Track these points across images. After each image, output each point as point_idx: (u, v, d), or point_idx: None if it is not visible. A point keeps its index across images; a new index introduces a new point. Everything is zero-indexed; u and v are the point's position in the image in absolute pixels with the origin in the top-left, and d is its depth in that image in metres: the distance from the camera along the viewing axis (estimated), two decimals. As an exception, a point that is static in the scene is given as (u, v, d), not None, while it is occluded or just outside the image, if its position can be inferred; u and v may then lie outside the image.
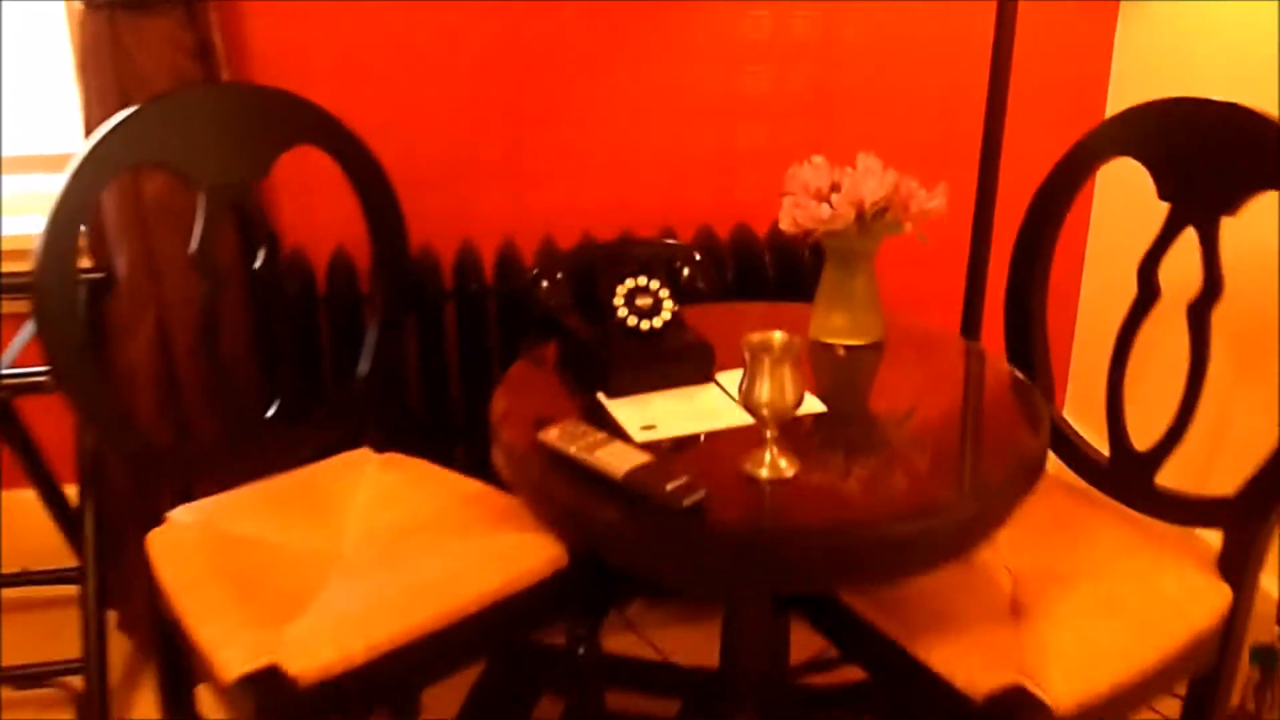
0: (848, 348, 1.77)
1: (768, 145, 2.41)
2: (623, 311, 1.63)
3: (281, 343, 2.09)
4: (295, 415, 1.87)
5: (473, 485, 1.87)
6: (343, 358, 2.13)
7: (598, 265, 1.65)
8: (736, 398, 1.46)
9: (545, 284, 1.64)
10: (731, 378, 1.66)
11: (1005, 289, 1.95)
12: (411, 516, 1.80)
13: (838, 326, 1.78)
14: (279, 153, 1.77)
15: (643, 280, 1.65)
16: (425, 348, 2.18)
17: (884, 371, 1.73)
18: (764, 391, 1.38)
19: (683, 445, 1.49)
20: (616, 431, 1.51)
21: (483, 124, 2.28)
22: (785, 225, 1.74)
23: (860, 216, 1.71)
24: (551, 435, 1.45)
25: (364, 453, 1.97)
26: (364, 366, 1.93)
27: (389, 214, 1.87)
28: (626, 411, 1.57)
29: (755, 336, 1.40)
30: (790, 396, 1.38)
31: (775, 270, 2.21)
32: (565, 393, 1.65)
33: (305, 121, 1.78)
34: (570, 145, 2.31)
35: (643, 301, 1.64)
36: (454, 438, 2.22)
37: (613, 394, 1.60)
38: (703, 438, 1.50)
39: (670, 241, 1.74)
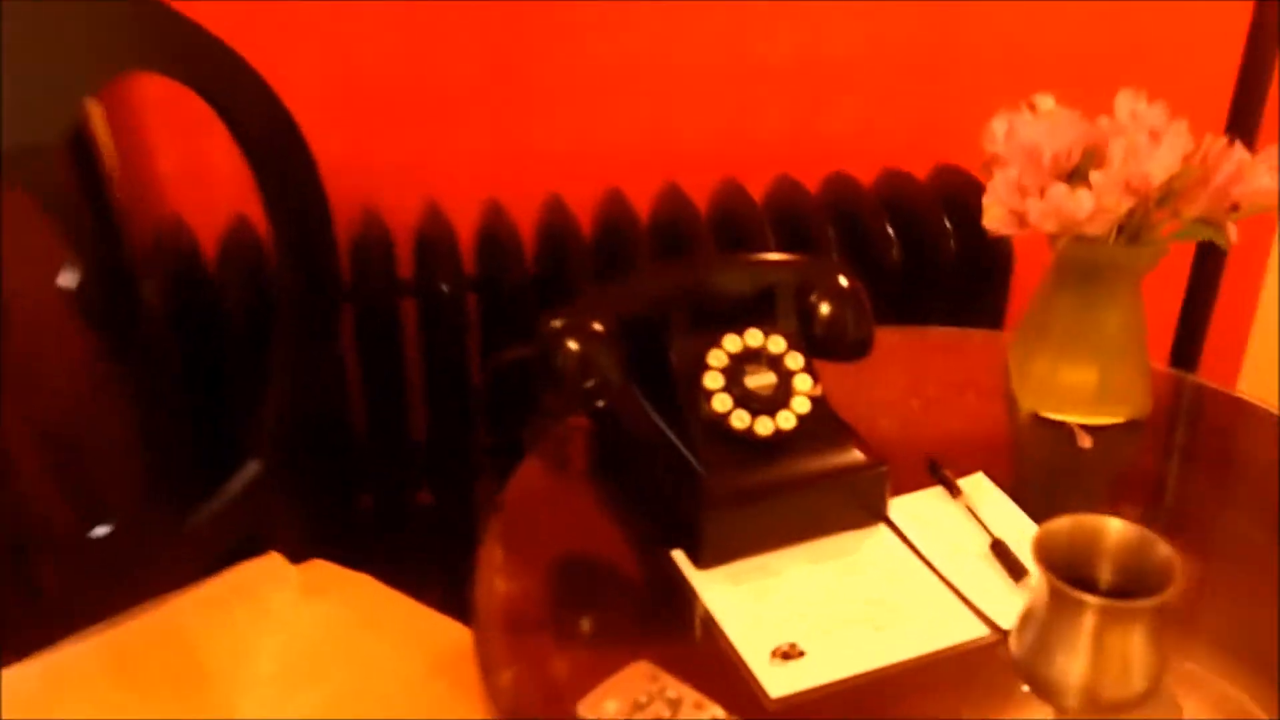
0: (1091, 430, 1.03)
1: (872, 51, 1.62)
2: (721, 402, 0.88)
3: (140, 380, 1.32)
4: (164, 498, 1.14)
5: (451, 633, 1.14)
6: (240, 397, 1.38)
7: (666, 306, 0.90)
8: (935, 563, 0.75)
9: (575, 343, 0.88)
10: (909, 507, 0.92)
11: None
12: (348, 701, 1.07)
13: (1073, 391, 1.04)
14: (92, 92, 0.99)
15: (755, 337, 0.90)
16: (371, 377, 1.42)
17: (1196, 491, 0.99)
18: (1076, 664, 0.65)
19: (857, 695, 0.76)
20: (717, 656, 0.78)
21: (452, 35, 1.48)
22: (995, 224, 0.98)
23: (1137, 209, 0.95)
24: (606, 713, 0.71)
25: (271, 564, 1.23)
26: (269, 414, 1.18)
27: (296, 173, 1.10)
28: (731, 600, 0.84)
29: (1056, 529, 0.67)
30: (1137, 679, 0.65)
31: (903, 252, 1.44)
32: (613, 545, 0.91)
33: (146, 37, 1.00)
34: (580, 59, 1.51)
35: (757, 378, 0.89)
36: (416, 523, 1.47)
37: (705, 563, 0.86)
38: (892, 679, 0.78)
39: (792, 258, 0.98)
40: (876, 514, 0.91)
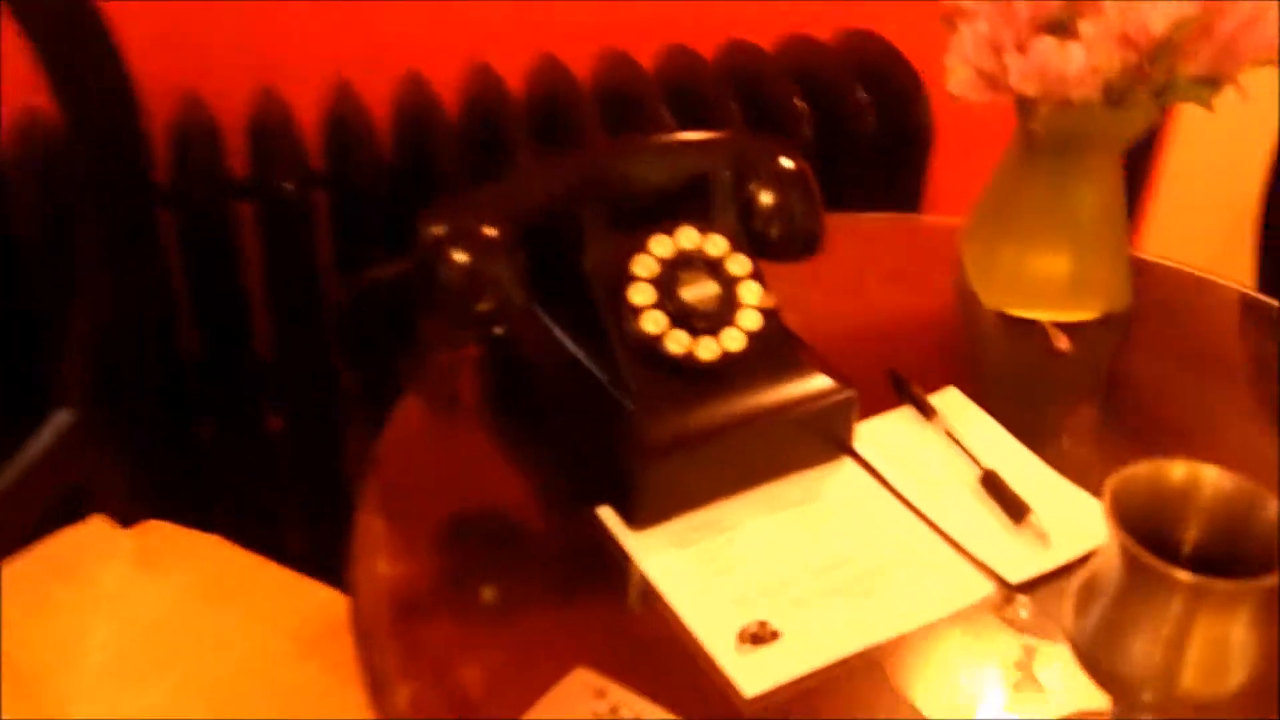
0: (1065, 328, 0.88)
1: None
2: (653, 321, 0.70)
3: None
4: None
5: (320, 600, 0.96)
6: (43, 332, 1.14)
7: (575, 204, 0.71)
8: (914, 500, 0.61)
9: (463, 255, 0.69)
10: (875, 433, 0.77)
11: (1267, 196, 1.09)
12: (199, 693, 0.89)
13: (1044, 285, 0.89)
14: None
15: (690, 238, 0.72)
16: (202, 295, 1.19)
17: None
18: (1155, 653, 0.50)
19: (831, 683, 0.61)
20: (668, 643, 0.62)
21: None
22: (962, 88, 0.82)
23: (1128, 67, 0.79)
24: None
25: (95, 531, 1.02)
26: (75, 347, 0.97)
27: (90, 49, 0.88)
28: (678, 569, 0.67)
29: (1133, 478, 0.51)
30: (1235, 672, 0.50)
31: (815, 129, 1.26)
32: (522, 506, 0.73)
33: None
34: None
35: (696, 289, 0.71)
36: (268, 458, 1.26)
37: (640, 521, 0.69)
38: (887, 664, 0.63)
39: (725, 136, 0.80)
40: (841, 446, 0.75)
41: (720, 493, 0.71)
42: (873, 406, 0.79)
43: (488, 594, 0.68)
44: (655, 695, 0.60)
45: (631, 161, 0.74)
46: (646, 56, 1.31)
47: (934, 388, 0.81)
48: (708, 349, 0.70)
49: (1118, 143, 0.85)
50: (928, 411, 0.78)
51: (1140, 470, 0.51)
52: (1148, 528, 0.50)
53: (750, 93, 1.26)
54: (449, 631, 0.65)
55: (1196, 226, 1.50)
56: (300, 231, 1.17)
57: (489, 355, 0.81)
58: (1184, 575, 0.48)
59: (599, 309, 0.70)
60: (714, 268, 0.72)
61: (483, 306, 0.70)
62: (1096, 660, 0.51)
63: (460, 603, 0.67)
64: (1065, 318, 0.89)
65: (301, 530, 1.30)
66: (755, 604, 0.66)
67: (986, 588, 0.67)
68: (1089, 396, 0.86)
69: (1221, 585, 0.48)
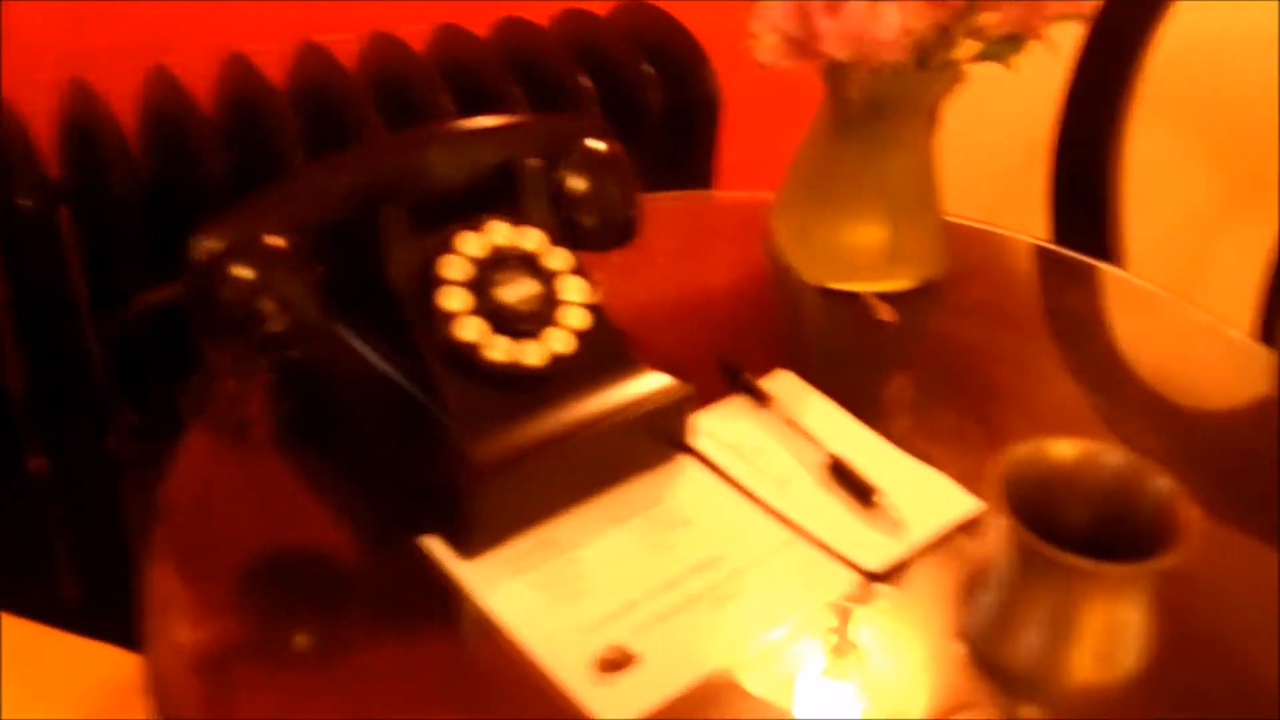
0: (888, 298, 0.86)
1: None
2: (469, 328, 0.63)
3: None
4: None
5: (108, 665, 0.86)
6: None
7: (369, 204, 0.64)
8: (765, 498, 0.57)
9: (245, 270, 0.61)
10: (711, 426, 0.72)
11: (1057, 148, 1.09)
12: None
13: (863, 256, 0.86)
14: None
15: (502, 233, 0.66)
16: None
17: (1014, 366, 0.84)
18: (1045, 640, 0.47)
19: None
20: (516, 682, 0.56)
21: None
22: (770, 55, 0.78)
23: (941, 29, 0.77)
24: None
25: None
26: None
27: None
28: (520, 598, 0.61)
29: (1019, 459, 0.48)
30: (1127, 657, 0.48)
31: (600, 107, 1.21)
32: (336, 545, 0.66)
33: None
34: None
35: (515, 288, 0.65)
36: (31, 503, 1.12)
37: (473, 549, 0.63)
38: (750, 686, 0.59)
39: (529, 119, 0.73)
40: (678, 444, 0.70)
41: (555, 509, 0.65)
42: (703, 398, 0.74)
43: (306, 645, 0.61)
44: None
45: (428, 154, 0.67)
46: (417, 39, 1.23)
47: (763, 371, 0.77)
48: (534, 354, 0.64)
49: (926, 106, 0.83)
50: (763, 399, 0.74)
51: (1025, 450, 0.49)
52: (1035, 510, 0.48)
53: (530, 72, 1.19)
54: (268, 694, 0.57)
55: (981, 181, 1.52)
56: (44, 252, 1.05)
57: (283, 379, 0.73)
58: (1077, 560, 0.45)
59: (407, 320, 0.63)
60: (531, 264, 0.66)
61: (272, 328, 0.61)
62: (988, 654, 0.48)
63: (277, 659, 0.59)
64: (886, 288, 0.86)
65: (78, 582, 1.17)
66: (608, 628, 0.60)
67: (847, 579, 0.64)
68: (919, 367, 0.84)
69: (1115, 570, 0.46)
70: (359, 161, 0.67)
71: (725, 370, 0.76)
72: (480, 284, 0.64)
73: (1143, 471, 0.48)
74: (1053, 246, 0.95)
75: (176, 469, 0.69)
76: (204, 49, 1.15)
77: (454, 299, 0.63)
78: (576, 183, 0.70)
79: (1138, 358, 0.86)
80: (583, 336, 0.65)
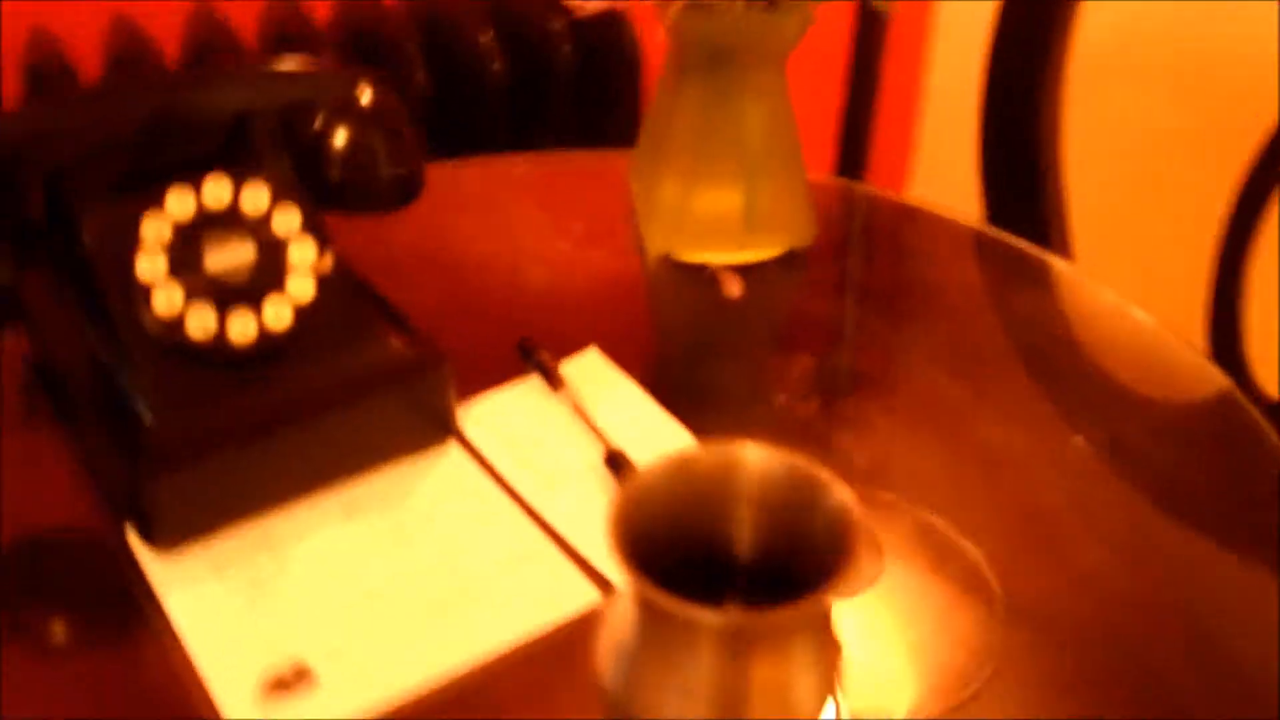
0: (742, 271, 0.77)
1: None
2: (166, 300, 0.56)
3: None
4: None
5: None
6: None
7: (68, 157, 0.57)
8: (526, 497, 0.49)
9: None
10: (493, 411, 0.64)
11: (983, 117, 0.98)
12: None
13: (713, 223, 0.77)
14: None
15: (219, 191, 0.58)
16: None
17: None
18: (695, 707, 0.38)
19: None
20: (180, 698, 0.49)
21: None
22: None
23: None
24: None
25: None
26: None
27: None
28: (207, 600, 0.54)
29: (647, 484, 0.39)
30: (801, 708, 0.38)
31: (506, 64, 1.12)
32: (61, 531, 0.59)
33: None
34: None
35: (224, 254, 0.57)
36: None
37: (161, 541, 0.56)
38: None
39: (278, 68, 0.65)
40: (442, 428, 0.62)
41: (277, 500, 0.58)
42: (499, 377, 0.66)
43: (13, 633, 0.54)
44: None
45: (140, 98, 0.59)
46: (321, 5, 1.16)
47: (577, 349, 0.69)
48: (241, 329, 0.56)
49: (776, 53, 0.73)
50: (555, 381, 0.66)
51: (660, 470, 0.40)
52: (690, 535, 0.39)
53: (435, 33, 1.12)
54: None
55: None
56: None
57: (29, 350, 0.66)
58: (709, 616, 0.36)
59: (100, 289, 0.57)
60: (253, 227, 0.58)
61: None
62: (629, 711, 0.39)
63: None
64: (742, 258, 0.77)
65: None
66: (292, 640, 0.53)
67: (589, 595, 0.55)
68: (764, 347, 0.75)
69: (764, 617, 0.37)
70: (53, 109, 0.60)
71: (520, 347, 0.68)
72: (185, 249, 0.57)
73: (811, 481, 0.39)
74: (948, 215, 0.85)
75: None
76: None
77: (151, 266, 0.56)
78: (334, 135, 0.62)
79: (1024, 339, 0.76)
80: (306, 309, 0.58)
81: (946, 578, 0.55)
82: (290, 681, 0.51)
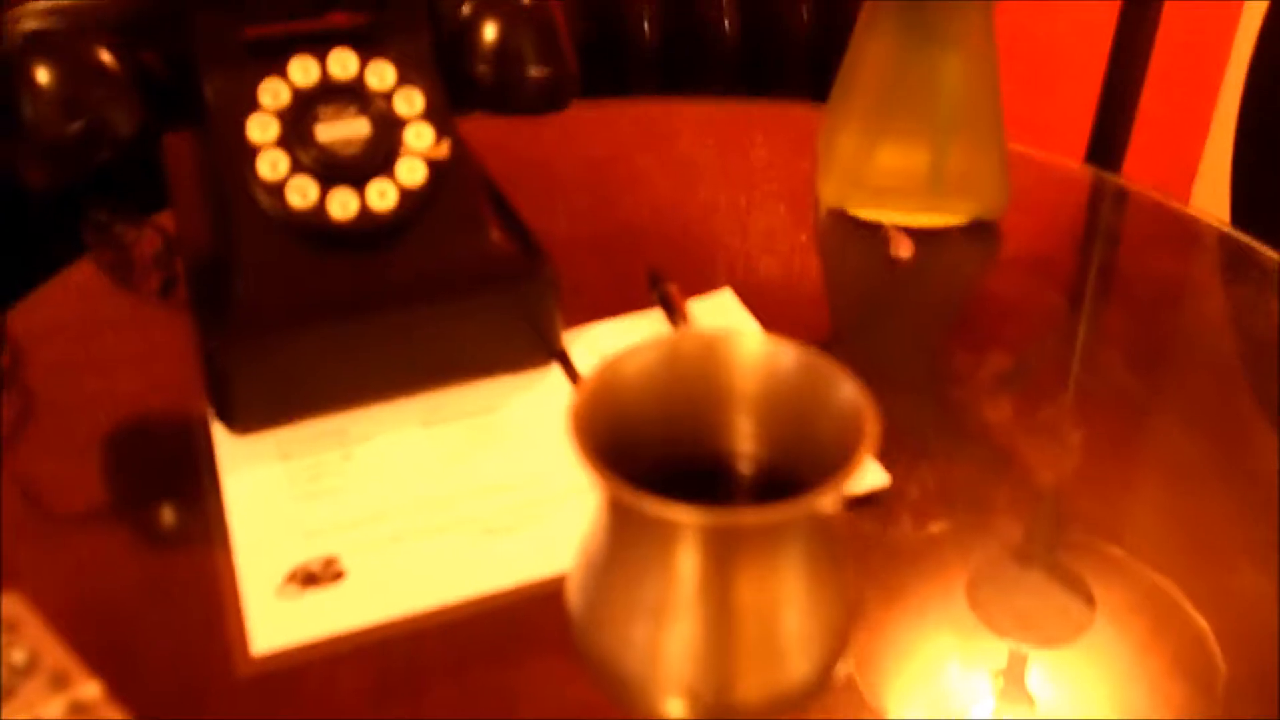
0: (916, 234, 0.69)
1: None
2: (271, 164, 0.54)
3: None
4: None
5: None
6: None
7: (187, 21, 0.55)
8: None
9: (49, 71, 0.54)
10: (606, 339, 0.60)
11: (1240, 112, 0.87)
12: None
13: (894, 179, 0.70)
14: None
15: (345, 63, 0.56)
16: None
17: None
18: (674, 640, 0.32)
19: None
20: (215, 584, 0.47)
21: None
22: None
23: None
24: None
25: None
26: None
27: None
28: (263, 486, 0.51)
29: (618, 372, 0.34)
30: (800, 656, 0.32)
31: (741, 22, 1.07)
32: (149, 413, 0.58)
33: None
34: None
35: (336, 127, 0.55)
36: None
37: (239, 424, 0.54)
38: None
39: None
40: (544, 347, 0.58)
41: (358, 396, 0.55)
42: (627, 306, 0.62)
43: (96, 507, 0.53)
44: (136, 650, 0.45)
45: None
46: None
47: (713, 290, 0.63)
48: (341, 205, 0.54)
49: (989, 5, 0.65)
50: (676, 316, 0.61)
51: (639, 358, 0.34)
52: (680, 443, 0.33)
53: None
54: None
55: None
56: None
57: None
58: (685, 514, 0.30)
59: (214, 146, 0.55)
60: (373, 104, 0.55)
61: (73, 129, 0.54)
62: (599, 657, 0.34)
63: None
64: (924, 222, 0.70)
65: None
66: (334, 536, 0.49)
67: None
68: (940, 323, 0.67)
69: (746, 517, 0.30)
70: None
71: (649, 276, 0.63)
72: (298, 117, 0.54)
73: (825, 375, 0.33)
74: (1170, 203, 0.75)
75: (43, 298, 0.64)
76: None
77: (262, 129, 0.54)
78: (483, 27, 0.59)
79: (1217, 349, 0.66)
80: (412, 194, 0.54)
81: (1166, 645, 0.46)
82: (318, 575, 0.48)
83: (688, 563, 0.30)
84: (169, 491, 0.53)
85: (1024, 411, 0.58)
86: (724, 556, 0.30)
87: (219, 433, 0.54)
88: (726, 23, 1.01)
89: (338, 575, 0.48)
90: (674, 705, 0.32)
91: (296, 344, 0.53)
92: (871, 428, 0.31)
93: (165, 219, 0.67)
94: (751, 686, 0.32)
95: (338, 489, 0.52)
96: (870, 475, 0.53)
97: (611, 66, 1.05)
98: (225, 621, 0.46)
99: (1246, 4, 1.35)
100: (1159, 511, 0.54)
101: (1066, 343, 0.64)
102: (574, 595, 0.33)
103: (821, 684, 0.33)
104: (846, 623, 0.33)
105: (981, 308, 0.68)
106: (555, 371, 0.58)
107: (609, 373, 0.33)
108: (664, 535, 0.30)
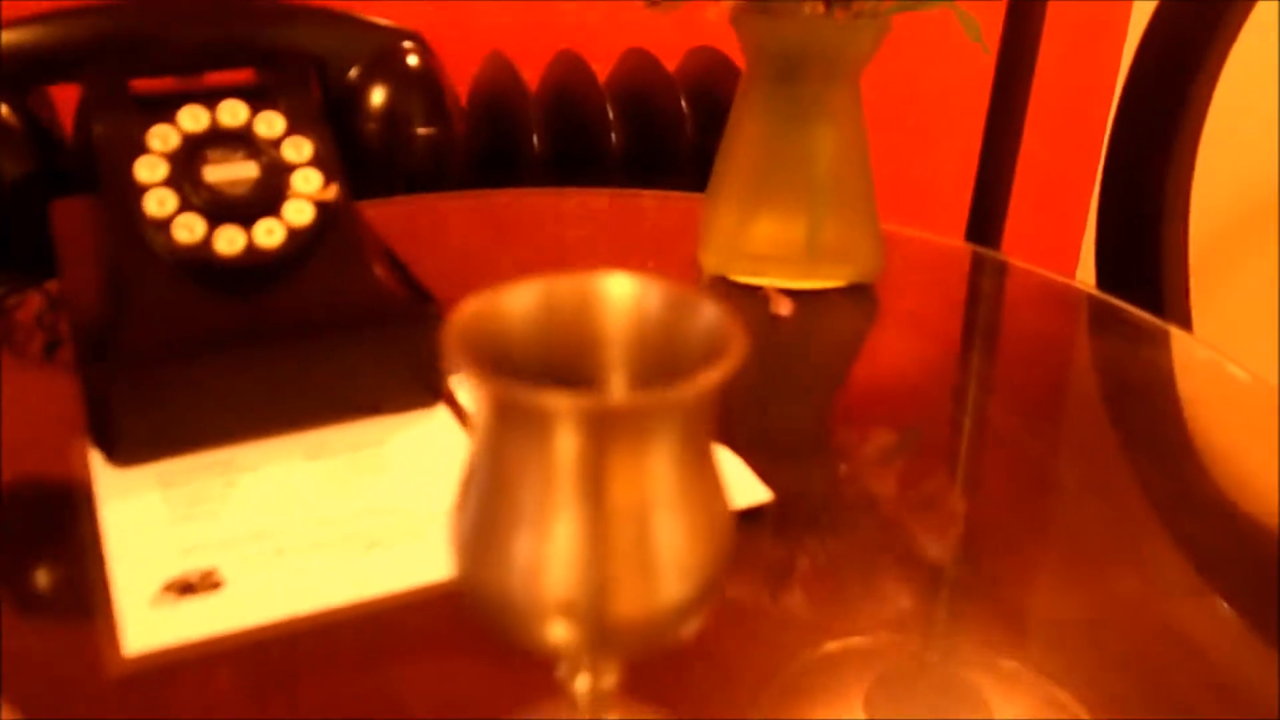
0: (796, 295, 0.72)
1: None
2: (158, 202, 0.55)
3: None
4: None
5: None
6: None
7: (89, 65, 0.57)
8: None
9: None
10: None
11: (1106, 171, 0.93)
12: None
13: (771, 245, 0.73)
14: None
15: (234, 113, 0.58)
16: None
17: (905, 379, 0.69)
18: (550, 554, 0.32)
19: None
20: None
21: None
22: (645, -15, 0.68)
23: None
24: None
25: None
26: None
27: None
28: (142, 509, 0.51)
29: (495, 306, 0.35)
30: (673, 572, 0.33)
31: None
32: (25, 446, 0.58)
33: None
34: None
35: (224, 169, 0.56)
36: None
37: (119, 458, 0.54)
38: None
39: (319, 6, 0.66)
40: (429, 389, 0.59)
41: (242, 431, 0.55)
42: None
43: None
44: (8, 657, 0.44)
45: (159, 24, 0.60)
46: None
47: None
48: (229, 241, 0.55)
49: (849, 65, 0.70)
50: (562, 360, 0.62)
51: (515, 294, 0.35)
52: (560, 380, 0.34)
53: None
54: None
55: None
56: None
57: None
58: (562, 400, 0.30)
59: (104, 189, 0.56)
60: (262, 150, 0.57)
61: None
62: (484, 588, 0.34)
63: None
64: (801, 284, 0.73)
65: None
66: (213, 552, 0.49)
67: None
68: (811, 374, 0.69)
69: (619, 401, 0.31)
70: (89, 19, 0.61)
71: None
72: (188, 161, 0.56)
73: (689, 303, 0.34)
74: (1040, 270, 0.79)
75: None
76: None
77: (150, 170, 0.55)
78: (365, 88, 0.62)
79: (1090, 392, 0.69)
80: (300, 233, 0.56)
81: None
82: (196, 585, 0.47)
83: (565, 456, 0.31)
84: (46, 518, 0.52)
85: (909, 481, 0.58)
86: (599, 449, 0.31)
87: (97, 463, 0.54)
88: (613, 134, 1.05)
89: (215, 585, 0.47)
90: (556, 627, 0.33)
91: (180, 376, 0.54)
92: (738, 338, 0.32)
93: (50, 286, 0.67)
94: (628, 600, 0.32)
95: (218, 512, 0.51)
96: (751, 490, 0.54)
97: (503, 178, 1.08)
98: (97, 628, 0.45)
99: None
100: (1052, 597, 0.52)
101: (950, 402, 0.67)
102: (458, 529, 0.34)
103: (698, 610, 0.33)
104: (722, 552, 0.33)
105: (864, 367, 0.71)
106: (442, 412, 0.59)
107: (486, 303, 0.34)
108: (542, 430, 0.31)
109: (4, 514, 0.53)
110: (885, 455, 0.61)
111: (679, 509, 0.32)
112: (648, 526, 0.32)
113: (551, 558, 0.32)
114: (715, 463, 0.34)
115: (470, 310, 0.33)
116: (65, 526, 0.51)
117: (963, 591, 0.51)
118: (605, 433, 0.31)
